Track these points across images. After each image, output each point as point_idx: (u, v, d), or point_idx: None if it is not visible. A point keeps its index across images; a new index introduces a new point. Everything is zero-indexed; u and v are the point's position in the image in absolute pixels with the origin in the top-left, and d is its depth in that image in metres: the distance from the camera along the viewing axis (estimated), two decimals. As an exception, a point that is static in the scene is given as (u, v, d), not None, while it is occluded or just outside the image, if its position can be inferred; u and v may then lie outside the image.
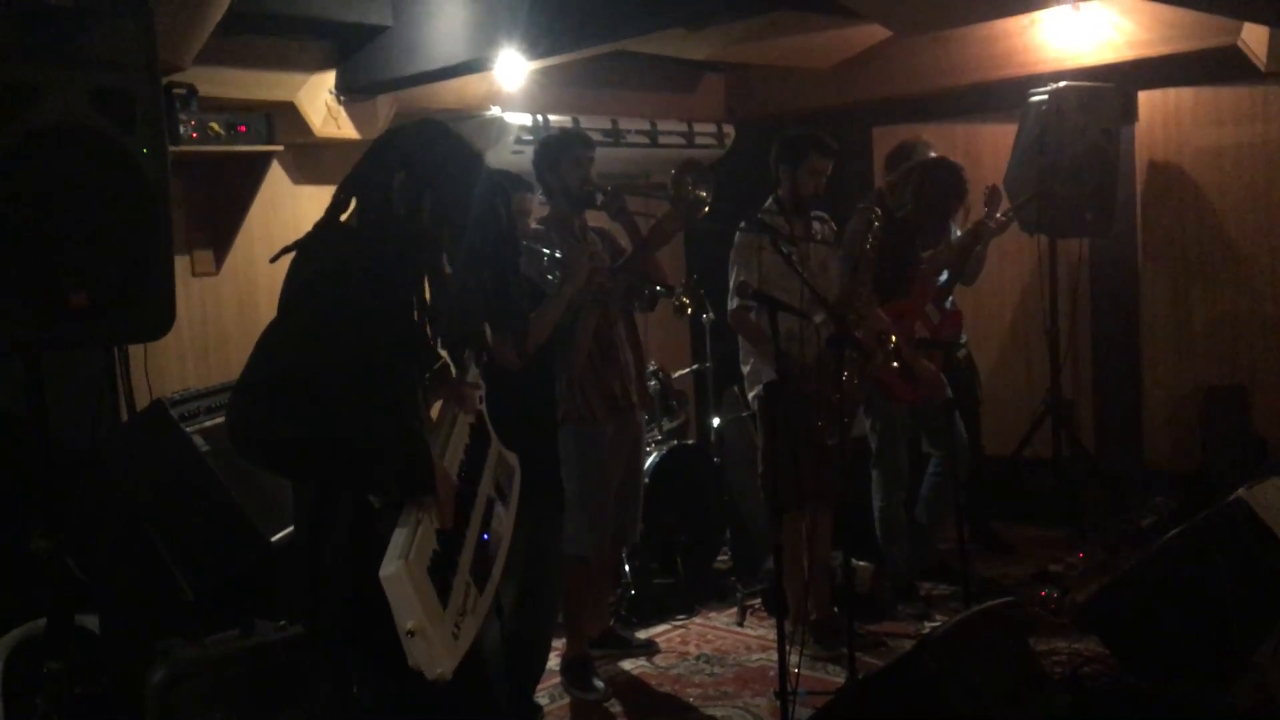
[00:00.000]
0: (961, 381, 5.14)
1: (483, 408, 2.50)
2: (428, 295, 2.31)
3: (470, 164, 2.34)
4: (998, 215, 4.94)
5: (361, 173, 2.33)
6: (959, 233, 5.04)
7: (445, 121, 2.44)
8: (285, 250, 2.27)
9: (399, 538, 2.01)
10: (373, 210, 2.28)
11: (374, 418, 2.15)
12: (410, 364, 2.34)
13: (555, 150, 4.14)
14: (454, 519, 2.15)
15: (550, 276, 3.91)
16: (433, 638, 1.95)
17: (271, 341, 2.13)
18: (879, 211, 4.52)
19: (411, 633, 1.94)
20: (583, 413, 4.09)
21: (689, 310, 4.03)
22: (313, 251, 2.24)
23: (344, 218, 2.31)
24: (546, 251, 3.95)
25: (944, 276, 4.90)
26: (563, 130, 4.62)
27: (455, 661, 1.99)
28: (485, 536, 2.27)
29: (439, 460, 2.19)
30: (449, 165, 2.31)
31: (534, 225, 4.11)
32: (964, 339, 5.29)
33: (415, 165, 2.28)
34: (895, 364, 4.20)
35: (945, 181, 4.66)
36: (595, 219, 4.29)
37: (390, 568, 1.95)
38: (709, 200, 4.03)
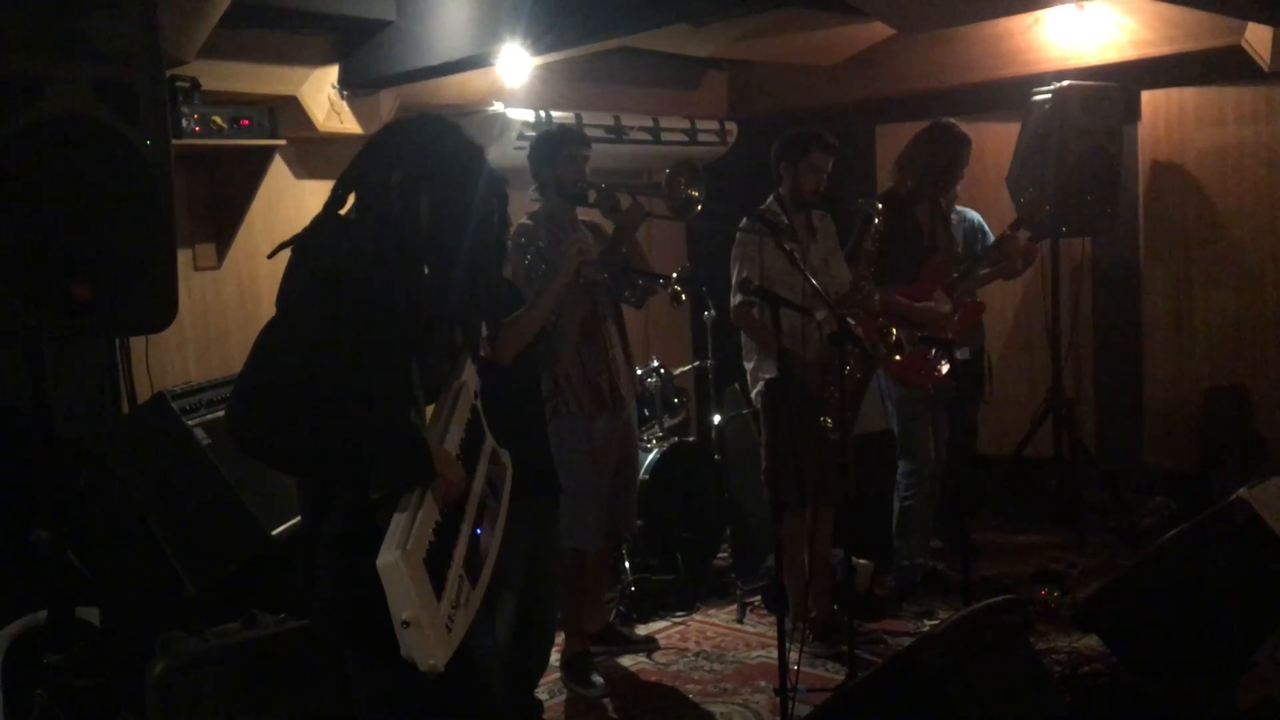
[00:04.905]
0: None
1: (478, 403, 2.49)
2: (429, 293, 2.28)
3: (471, 165, 2.29)
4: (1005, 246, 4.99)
5: (359, 169, 2.28)
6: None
7: (445, 117, 2.39)
8: (283, 245, 2.22)
9: (396, 528, 2.00)
10: (373, 207, 2.24)
11: (372, 416, 2.11)
12: (410, 363, 2.31)
13: (552, 145, 4.14)
14: (448, 509, 2.14)
15: (542, 265, 3.91)
16: (427, 628, 1.95)
17: (272, 343, 2.08)
18: (879, 206, 4.52)
19: (406, 622, 1.93)
20: (571, 406, 4.10)
21: (683, 297, 4.01)
22: (311, 248, 2.19)
23: (343, 212, 2.27)
24: (527, 244, 3.95)
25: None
26: (560, 126, 4.59)
27: (448, 654, 1.99)
28: (478, 531, 2.27)
29: (437, 446, 2.18)
30: (448, 166, 2.26)
31: (524, 220, 4.11)
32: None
33: (413, 165, 2.23)
34: (898, 357, 4.19)
35: (956, 133, 4.85)
36: (586, 214, 4.27)
37: (387, 557, 1.94)
38: (701, 200, 4.05)
